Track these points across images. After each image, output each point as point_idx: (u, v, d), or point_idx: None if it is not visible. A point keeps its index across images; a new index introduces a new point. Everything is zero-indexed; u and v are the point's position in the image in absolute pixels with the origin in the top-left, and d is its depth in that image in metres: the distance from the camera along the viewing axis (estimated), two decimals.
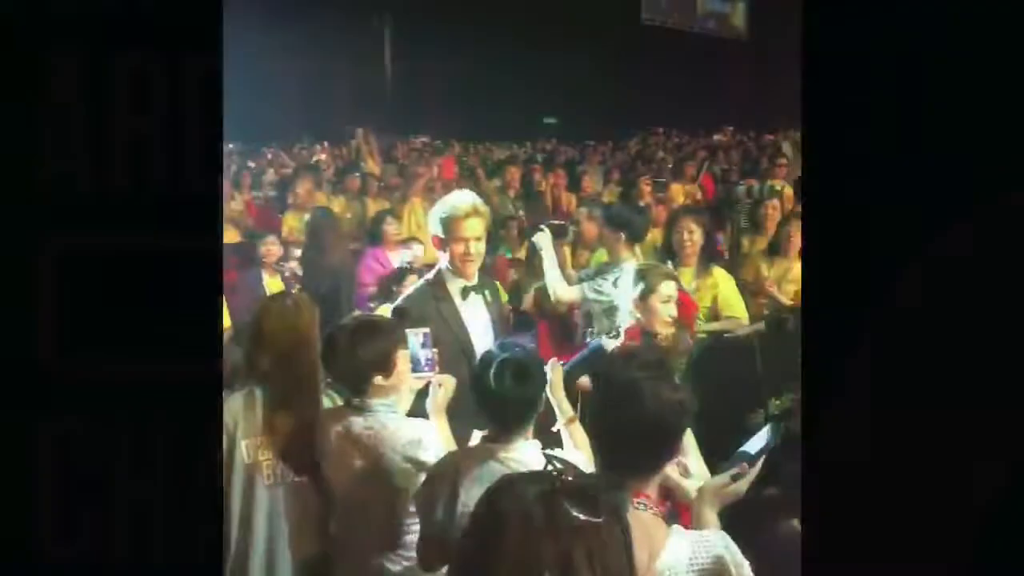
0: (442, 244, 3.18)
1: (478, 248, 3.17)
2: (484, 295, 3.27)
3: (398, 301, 3.28)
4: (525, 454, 2.27)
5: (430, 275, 3.31)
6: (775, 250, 5.24)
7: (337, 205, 7.44)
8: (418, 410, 2.74)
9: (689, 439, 3.22)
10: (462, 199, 3.18)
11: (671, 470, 2.99)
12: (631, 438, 1.79)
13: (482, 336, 3.21)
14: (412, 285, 3.37)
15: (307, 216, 6.11)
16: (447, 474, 2.29)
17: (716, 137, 16.20)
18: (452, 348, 3.08)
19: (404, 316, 3.10)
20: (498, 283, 3.82)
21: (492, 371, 2.25)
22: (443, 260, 3.23)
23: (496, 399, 2.27)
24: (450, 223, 3.13)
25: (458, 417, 2.84)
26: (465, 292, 3.20)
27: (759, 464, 2.00)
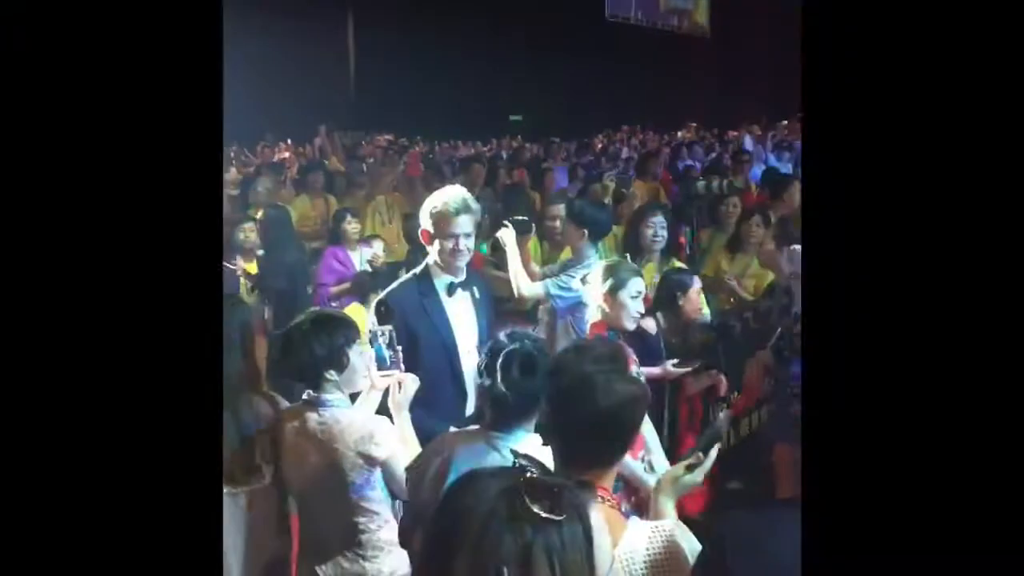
0: (431, 239, 3.18)
1: (468, 244, 3.18)
2: (472, 291, 3.28)
3: (382, 295, 3.27)
4: (525, 446, 2.25)
5: (417, 269, 3.31)
6: (736, 245, 5.29)
7: (301, 203, 7.41)
8: (386, 408, 2.75)
9: (653, 436, 3.26)
10: (454, 195, 3.19)
11: (637, 466, 3.03)
12: (586, 432, 1.80)
13: (466, 332, 3.22)
14: (398, 280, 3.35)
15: (260, 213, 6.06)
16: (441, 453, 2.29)
17: (680, 133, 16.32)
18: (434, 343, 3.09)
19: (387, 310, 3.11)
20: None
21: (499, 362, 2.23)
22: (431, 255, 3.23)
23: (501, 389, 2.24)
24: (441, 219, 3.13)
25: (437, 413, 2.84)
26: (451, 288, 3.21)
27: (713, 453, 2.03)
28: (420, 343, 3.07)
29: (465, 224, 3.15)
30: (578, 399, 1.79)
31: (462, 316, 3.24)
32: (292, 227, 6.09)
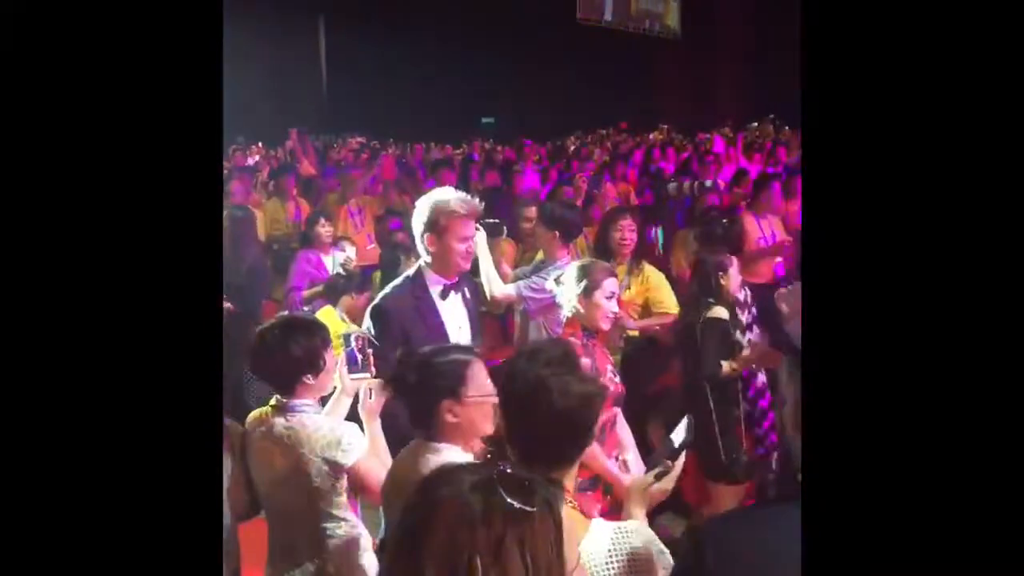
0: (435, 242, 3.16)
1: (470, 247, 3.21)
2: (464, 293, 3.29)
3: (376, 300, 3.26)
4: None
5: (410, 272, 3.30)
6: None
7: (272, 207, 7.37)
8: (356, 414, 2.73)
9: (627, 435, 3.28)
10: (458, 197, 3.18)
11: (612, 465, 3.04)
12: (543, 433, 1.82)
13: (459, 334, 3.23)
14: (391, 283, 3.34)
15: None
16: (408, 460, 2.31)
17: (652, 135, 16.41)
18: (428, 346, 3.09)
19: (383, 315, 3.10)
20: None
21: None
22: (423, 257, 3.23)
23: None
24: (453, 222, 3.12)
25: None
26: (445, 291, 3.21)
27: (681, 460, 2.05)
28: (414, 346, 3.08)
29: (471, 227, 3.18)
30: (533, 401, 1.82)
31: (455, 318, 3.24)
32: (255, 229, 6.05)
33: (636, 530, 1.82)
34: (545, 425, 1.81)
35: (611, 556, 1.75)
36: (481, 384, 2.30)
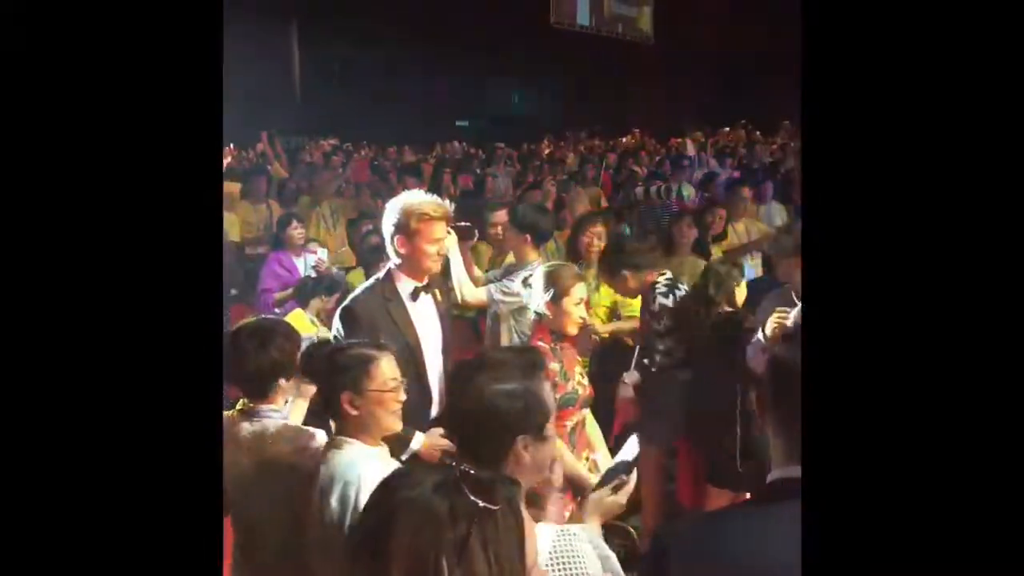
0: (405, 244, 3.17)
1: (441, 249, 3.22)
2: (434, 294, 3.30)
3: (346, 302, 3.26)
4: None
5: (380, 274, 3.30)
6: (669, 248, 5.36)
7: (243, 209, 7.33)
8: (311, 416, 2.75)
9: (597, 435, 3.31)
10: (430, 200, 3.20)
11: (579, 465, 3.07)
12: (479, 435, 1.84)
13: (431, 336, 3.24)
14: (361, 285, 3.34)
15: None
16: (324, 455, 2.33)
17: (624, 139, 16.48)
18: (400, 349, 3.10)
19: (352, 317, 3.11)
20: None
21: None
22: (393, 259, 3.24)
23: None
24: (421, 225, 3.13)
25: (402, 417, 2.87)
26: (415, 293, 3.22)
27: (634, 474, 2.08)
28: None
29: (442, 230, 3.19)
30: (475, 405, 1.83)
31: (426, 319, 3.25)
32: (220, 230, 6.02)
33: (579, 533, 1.81)
34: (481, 428, 1.82)
35: (552, 558, 1.75)
36: (384, 380, 2.34)
